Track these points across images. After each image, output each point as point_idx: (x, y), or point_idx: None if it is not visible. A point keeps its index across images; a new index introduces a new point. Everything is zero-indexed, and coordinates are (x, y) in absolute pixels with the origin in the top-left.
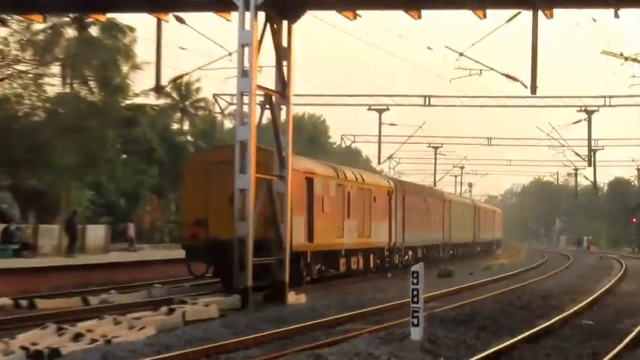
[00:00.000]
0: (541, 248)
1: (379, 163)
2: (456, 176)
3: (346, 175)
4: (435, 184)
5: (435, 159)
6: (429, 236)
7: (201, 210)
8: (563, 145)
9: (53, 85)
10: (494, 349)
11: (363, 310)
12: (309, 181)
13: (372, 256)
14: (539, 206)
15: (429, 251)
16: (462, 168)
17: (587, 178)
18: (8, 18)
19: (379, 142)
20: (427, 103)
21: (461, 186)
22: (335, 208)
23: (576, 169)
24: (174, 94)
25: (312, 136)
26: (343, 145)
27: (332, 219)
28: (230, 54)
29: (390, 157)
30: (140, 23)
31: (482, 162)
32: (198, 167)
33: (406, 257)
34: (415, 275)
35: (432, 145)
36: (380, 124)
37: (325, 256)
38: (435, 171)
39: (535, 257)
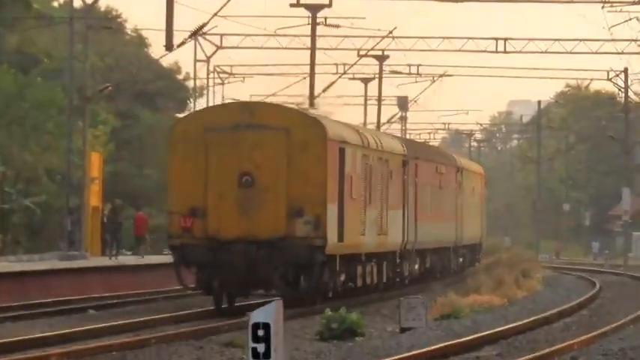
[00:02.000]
0: (584, 263)
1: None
2: (366, 81)
3: (368, 139)
4: (311, 102)
5: (314, 27)
6: (442, 233)
7: (198, 195)
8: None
9: None
10: None
11: None
12: (342, 154)
13: (385, 264)
14: (582, 156)
15: (438, 258)
16: (381, 57)
17: None
18: None
19: None
20: None
21: (379, 100)
22: (360, 191)
23: None
24: None
25: None
26: None
27: (358, 208)
28: None
29: None
30: None
31: (436, 41)
32: (193, 134)
33: (416, 266)
34: (263, 336)
35: None
36: None
37: (349, 262)
38: (311, 64)
39: (566, 286)
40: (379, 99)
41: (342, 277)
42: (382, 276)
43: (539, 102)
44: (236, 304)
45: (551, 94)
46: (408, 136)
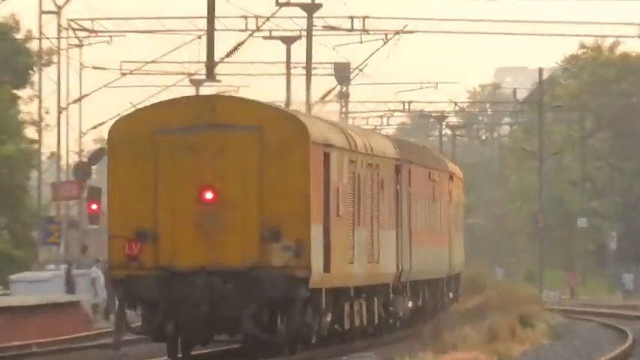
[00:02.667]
0: (610, 304)
1: None
2: (289, 41)
3: (355, 140)
4: (209, 72)
5: None
6: (435, 260)
7: (146, 214)
8: None
9: None
10: None
11: None
12: (327, 159)
13: (375, 300)
14: (604, 149)
15: (432, 293)
16: (310, 6)
17: None
18: None
19: None
20: None
21: (308, 68)
22: (347, 207)
23: None
24: None
25: None
26: None
27: (346, 229)
28: None
29: None
30: None
31: None
32: (138, 137)
33: (410, 304)
34: None
35: None
36: None
37: (336, 298)
38: (209, 17)
39: (584, 338)
40: (308, 67)
41: (329, 318)
42: (373, 316)
43: (540, 70)
44: (193, 353)
45: (557, 59)
46: (350, 121)
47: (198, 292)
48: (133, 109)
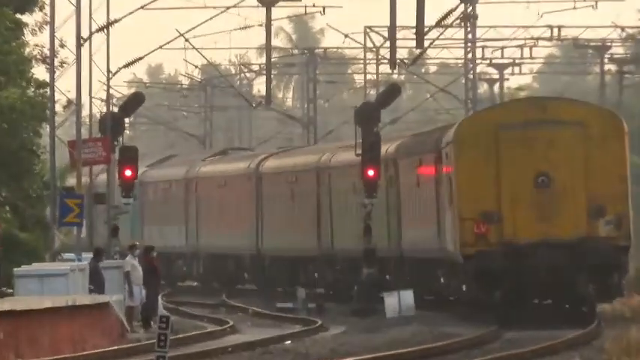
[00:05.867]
0: None
1: None
2: None
3: None
4: None
5: None
6: None
7: (491, 199)
8: None
9: None
10: None
11: None
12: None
13: None
14: None
15: None
16: None
17: None
18: None
19: None
20: None
21: None
22: None
23: None
24: None
25: None
26: None
27: None
28: None
29: None
30: None
31: None
32: (482, 133)
33: None
34: None
35: None
36: None
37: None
38: None
39: None
40: None
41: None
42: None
43: None
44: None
45: None
46: (479, 52)
47: (539, 261)
48: (183, 39)
